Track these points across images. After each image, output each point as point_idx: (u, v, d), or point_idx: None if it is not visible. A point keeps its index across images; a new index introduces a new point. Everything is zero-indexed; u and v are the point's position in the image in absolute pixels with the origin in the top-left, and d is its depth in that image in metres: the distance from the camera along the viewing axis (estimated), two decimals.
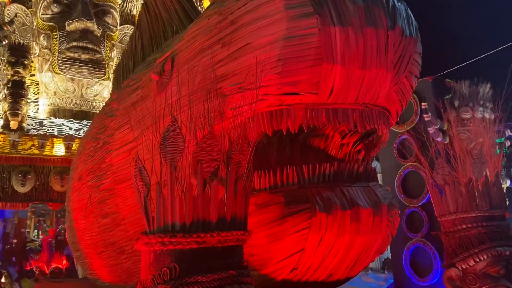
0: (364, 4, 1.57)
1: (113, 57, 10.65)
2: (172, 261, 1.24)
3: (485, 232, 1.94)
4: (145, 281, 1.26)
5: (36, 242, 15.50)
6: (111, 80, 10.72)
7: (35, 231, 14.19)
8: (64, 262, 9.19)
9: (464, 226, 1.95)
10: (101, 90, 10.24)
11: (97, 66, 9.76)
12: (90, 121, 10.00)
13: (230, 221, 1.31)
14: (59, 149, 8.25)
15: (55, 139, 8.25)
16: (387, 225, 1.80)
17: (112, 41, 10.52)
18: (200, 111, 1.79)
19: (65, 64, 9.57)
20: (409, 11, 1.75)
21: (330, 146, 2.01)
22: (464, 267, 1.90)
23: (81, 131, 9.35)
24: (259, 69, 1.58)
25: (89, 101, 10.03)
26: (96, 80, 9.84)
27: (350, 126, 1.69)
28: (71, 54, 9.53)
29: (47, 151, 8.21)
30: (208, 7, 2.06)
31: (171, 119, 1.34)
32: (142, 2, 3.80)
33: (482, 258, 1.88)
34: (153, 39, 3.39)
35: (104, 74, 10.05)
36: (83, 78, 9.61)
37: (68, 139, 8.24)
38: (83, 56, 9.57)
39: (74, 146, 8.37)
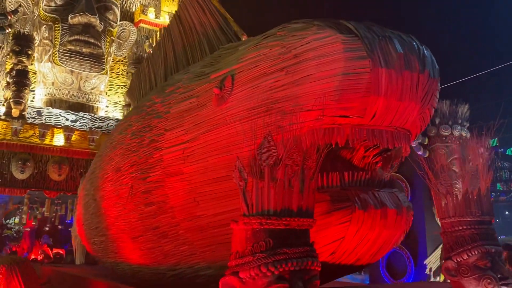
0: (403, 52, 2.05)
1: (111, 53, 10.90)
2: (266, 237, 1.67)
3: (477, 233, 2.42)
4: (243, 250, 1.69)
5: (13, 230, 15.47)
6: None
7: (16, 218, 14.20)
8: (39, 252, 9.40)
9: (460, 228, 2.43)
10: (98, 84, 10.47)
11: (97, 60, 10.00)
12: (87, 113, 10.28)
13: (305, 210, 1.75)
14: (58, 139, 8.48)
15: (55, 129, 8.47)
16: (406, 223, 2.28)
17: (111, 37, 10.77)
18: (260, 123, 2.24)
19: (66, 56, 9.77)
20: (433, 57, 2.24)
21: (354, 157, 2.47)
22: (458, 260, 2.38)
23: (77, 123, 9.57)
24: (320, 96, 2.04)
25: (86, 94, 10.25)
26: (95, 74, 10.08)
27: (384, 144, 2.16)
28: (73, 47, 9.74)
29: (47, 141, 8.43)
30: (266, 37, 2.48)
31: (266, 134, 1.76)
32: (174, 12, 4.14)
33: (473, 253, 2.36)
34: (187, 50, 3.75)
35: (103, 69, 10.29)
36: (83, 71, 9.83)
37: (68, 130, 8.48)
38: (84, 50, 9.78)
39: (74, 137, 8.62)
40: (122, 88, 11.73)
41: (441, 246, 7.07)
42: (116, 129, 4.20)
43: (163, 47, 4.23)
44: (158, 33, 11.44)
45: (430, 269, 7.12)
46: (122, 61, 11.89)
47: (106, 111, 10.97)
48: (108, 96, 11.22)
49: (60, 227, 12.12)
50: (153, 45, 4.67)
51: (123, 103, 11.61)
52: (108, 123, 10.04)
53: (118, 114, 11.51)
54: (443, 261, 2.52)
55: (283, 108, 2.13)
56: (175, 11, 4.08)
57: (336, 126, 2.04)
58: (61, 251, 8.50)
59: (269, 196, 1.64)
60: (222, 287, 1.73)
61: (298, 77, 2.10)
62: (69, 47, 9.71)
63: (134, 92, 5.01)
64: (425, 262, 7.14)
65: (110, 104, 11.38)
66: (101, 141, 9.04)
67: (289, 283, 1.59)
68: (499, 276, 2.35)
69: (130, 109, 4.47)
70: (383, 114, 2.04)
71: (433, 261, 7.13)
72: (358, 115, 2.02)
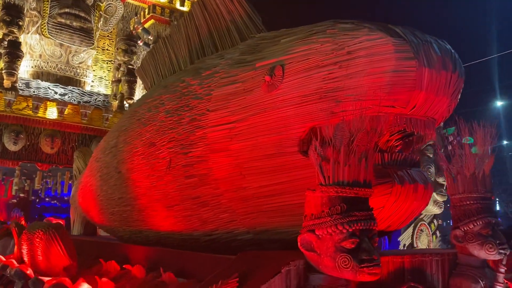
0: (441, 55, 2.47)
1: (99, 27, 10.89)
2: (341, 202, 2.05)
3: (481, 207, 2.90)
4: (319, 213, 2.07)
5: None
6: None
7: None
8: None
9: (468, 202, 2.91)
10: (86, 58, 10.50)
11: (87, 34, 10.02)
12: (75, 87, 10.29)
13: (368, 182, 2.15)
14: (51, 113, 8.55)
15: (48, 102, 8.54)
16: (429, 196, 2.75)
17: (100, 11, 10.76)
18: (312, 109, 2.62)
19: (55, 29, 9.74)
20: (460, 60, 2.68)
21: (379, 141, 2.91)
22: (465, 229, 2.86)
23: (66, 97, 9.64)
24: (372, 88, 2.44)
25: (74, 68, 10.27)
26: (84, 48, 10.09)
27: (418, 131, 2.59)
28: (63, 20, 9.71)
29: (40, 113, 8.49)
30: (314, 33, 2.83)
31: (341, 120, 2.14)
32: None
33: (478, 224, 2.84)
34: (215, 36, 4.01)
35: (93, 43, 10.32)
36: (73, 45, 9.84)
37: (61, 104, 8.55)
38: (74, 24, 9.78)
39: (66, 111, 8.69)
40: (107, 63, 11.75)
41: (413, 224, 7.77)
42: (141, 106, 4.44)
43: (185, 31, 4.46)
44: (146, 10, 11.48)
45: (404, 245, 7.78)
46: (108, 36, 11.89)
47: (91, 86, 11.01)
48: (94, 71, 11.24)
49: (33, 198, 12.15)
50: (172, 26, 4.84)
51: (108, 78, 11.65)
52: (96, 98, 10.13)
53: (103, 89, 11.56)
54: (415, 237, 3.03)
55: (337, 97, 2.51)
56: None
57: (382, 114, 2.44)
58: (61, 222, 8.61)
59: (343, 170, 2.04)
60: (301, 242, 2.12)
61: (351, 71, 2.48)
62: (59, 20, 9.69)
63: (147, 70, 5.23)
64: (398, 239, 7.80)
65: (96, 79, 11.41)
66: (93, 115, 9.17)
67: (359, 239, 2.01)
68: (497, 242, 2.86)
69: (154, 87, 4.69)
70: (421, 106, 2.46)
71: (406, 238, 7.81)
72: (402, 106, 2.43)
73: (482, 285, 2.85)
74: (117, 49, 10.63)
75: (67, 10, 9.64)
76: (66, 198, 11.86)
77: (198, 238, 3.59)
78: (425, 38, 2.46)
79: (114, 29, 11.71)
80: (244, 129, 3.00)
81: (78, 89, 9.88)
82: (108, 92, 11.24)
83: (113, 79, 10.55)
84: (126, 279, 3.12)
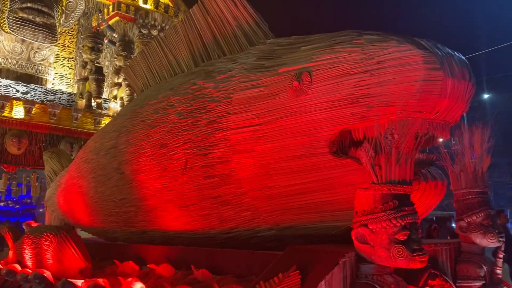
0: (461, 67, 2.77)
1: (62, 24, 10.56)
2: (392, 199, 2.28)
3: (482, 200, 3.25)
4: (371, 209, 2.28)
5: None
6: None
7: None
8: None
9: (470, 197, 3.26)
10: (48, 56, 10.16)
11: (50, 31, 9.72)
12: (38, 85, 9.90)
13: (412, 180, 2.43)
14: (18, 112, 8.20)
15: (15, 101, 8.18)
16: (444, 192, 3.07)
17: (62, 7, 10.45)
18: (343, 113, 2.85)
19: (17, 24, 9.37)
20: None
21: None
22: (469, 220, 3.21)
23: (28, 95, 9.29)
24: (403, 95, 2.69)
25: (35, 65, 9.91)
26: (48, 44, 9.77)
27: (437, 133, 2.89)
28: (25, 15, 9.36)
29: (5, 113, 8.13)
30: (339, 43, 3.04)
31: (390, 124, 2.37)
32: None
33: (480, 215, 3.19)
34: (220, 41, 4.13)
35: (56, 40, 10.03)
36: (36, 41, 9.51)
37: (29, 103, 8.22)
38: (37, 19, 9.47)
39: (34, 110, 8.37)
40: (68, 60, 11.40)
41: None
42: (144, 108, 4.47)
43: (184, 33, 4.54)
44: (110, 8, 11.24)
45: None
46: (68, 32, 11.53)
47: (52, 84, 10.66)
48: (54, 68, 10.88)
49: None
50: (167, 29, 4.83)
51: (70, 76, 11.31)
52: (61, 97, 9.83)
53: (65, 88, 11.21)
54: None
55: (369, 102, 2.75)
56: (200, 0, 4.39)
57: (410, 119, 2.71)
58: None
59: (394, 170, 2.28)
60: (356, 235, 2.34)
61: (382, 79, 2.72)
62: (20, 15, 9.32)
63: (138, 71, 5.26)
64: None
65: (56, 77, 11.04)
66: (61, 115, 8.88)
67: (409, 231, 2.26)
68: (496, 231, 3.23)
69: (155, 88, 4.71)
70: (443, 111, 2.75)
71: None
72: (428, 111, 2.71)
73: (485, 269, 3.22)
74: (83, 46, 10.35)
75: (29, 4, 9.30)
76: (23, 200, 11.42)
77: (214, 236, 3.71)
78: (446, 51, 2.76)
79: (75, 25, 11.39)
80: (270, 131, 3.16)
81: (41, 87, 9.55)
82: (70, 90, 10.92)
83: (79, 77, 10.26)
84: (153, 278, 3.19)
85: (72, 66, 11.16)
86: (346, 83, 2.86)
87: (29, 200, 9.72)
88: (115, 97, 9.84)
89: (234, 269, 2.98)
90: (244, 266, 2.89)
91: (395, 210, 2.24)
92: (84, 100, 9.32)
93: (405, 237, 2.23)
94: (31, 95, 9.08)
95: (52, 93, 9.50)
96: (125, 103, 9.75)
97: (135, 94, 5.72)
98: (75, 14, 10.98)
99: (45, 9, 9.35)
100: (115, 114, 10.09)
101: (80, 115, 8.86)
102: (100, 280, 2.92)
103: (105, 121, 9.45)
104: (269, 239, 3.43)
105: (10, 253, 4.48)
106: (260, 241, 3.47)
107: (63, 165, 6.83)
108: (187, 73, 4.34)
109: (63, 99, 9.57)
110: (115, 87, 9.92)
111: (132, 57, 10.55)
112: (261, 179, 3.25)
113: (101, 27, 10.75)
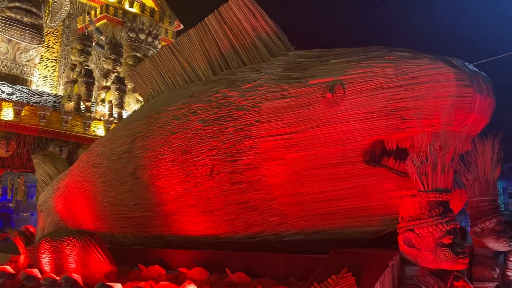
0: (487, 84, 3.01)
1: (48, 24, 10.40)
2: (438, 206, 2.46)
3: (494, 207, 3.51)
4: (417, 215, 2.44)
5: None
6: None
7: None
8: None
9: (483, 204, 3.51)
10: (34, 57, 9.99)
11: (38, 31, 9.56)
12: (23, 86, 9.68)
13: (451, 189, 2.63)
14: (7, 114, 8.01)
15: (3, 103, 7.99)
16: (465, 199, 3.30)
17: (49, 7, 10.31)
18: (377, 124, 3.03)
19: (4, 24, 9.20)
20: None
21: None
22: (482, 226, 3.45)
23: (14, 96, 9.10)
24: (436, 109, 2.90)
25: (20, 66, 9.72)
26: (35, 45, 9.60)
27: (463, 145, 3.12)
28: (13, 15, 9.20)
29: None
30: (371, 58, 3.24)
31: (433, 138, 2.56)
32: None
33: (493, 221, 3.44)
34: (239, 51, 4.25)
35: (43, 41, 9.88)
36: (23, 41, 9.33)
37: (19, 105, 8.05)
38: (25, 19, 9.31)
39: (23, 112, 8.18)
40: (52, 62, 11.21)
41: None
42: (161, 114, 4.52)
43: (199, 41, 4.64)
44: (98, 10, 11.12)
45: None
46: (52, 33, 11.35)
47: (36, 85, 10.46)
48: (38, 69, 10.68)
49: None
50: (179, 38, 4.88)
51: (53, 78, 11.13)
52: (47, 99, 9.67)
53: (48, 89, 11.01)
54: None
55: (403, 115, 2.94)
56: (216, 10, 4.49)
57: (440, 131, 2.92)
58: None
59: (440, 179, 2.47)
60: (403, 239, 2.51)
61: (417, 94, 2.92)
62: (8, 14, 9.14)
63: (147, 77, 5.31)
64: None
65: (40, 78, 10.84)
66: (51, 117, 8.73)
67: (453, 235, 2.45)
68: (508, 236, 3.50)
69: (172, 94, 4.75)
70: (470, 125, 2.98)
71: None
72: (457, 125, 2.93)
73: (498, 271, 3.47)
74: (71, 48, 10.20)
75: (17, 4, 9.13)
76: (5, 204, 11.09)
77: (238, 240, 3.81)
78: (474, 69, 2.99)
79: (59, 26, 11.23)
80: (303, 140, 3.31)
81: (27, 89, 9.36)
82: (53, 92, 10.74)
83: (67, 80, 10.10)
84: (185, 281, 3.26)
85: (56, 67, 10.98)
86: (381, 96, 3.04)
87: (11, 205, 9.44)
88: (103, 100, 9.73)
89: (270, 272, 3.10)
90: (282, 269, 3.02)
91: (441, 216, 2.43)
92: (73, 102, 9.19)
93: (450, 241, 2.42)
94: (17, 97, 8.89)
95: (38, 94, 9.32)
96: (114, 107, 9.67)
97: (143, 99, 5.74)
98: (60, 15, 10.85)
99: (34, 9, 9.20)
100: (102, 118, 9.99)
101: (70, 118, 8.73)
102: (141, 284, 2.97)
103: (94, 124, 9.35)
104: (295, 244, 3.56)
105: (21, 257, 4.43)
106: (286, 246, 3.60)
107: (59, 169, 6.74)
108: (206, 81, 4.44)
109: (49, 101, 9.41)
110: (103, 90, 9.81)
111: (122, 61, 10.49)
112: (292, 185, 3.38)
113: (89, 29, 10.64)
